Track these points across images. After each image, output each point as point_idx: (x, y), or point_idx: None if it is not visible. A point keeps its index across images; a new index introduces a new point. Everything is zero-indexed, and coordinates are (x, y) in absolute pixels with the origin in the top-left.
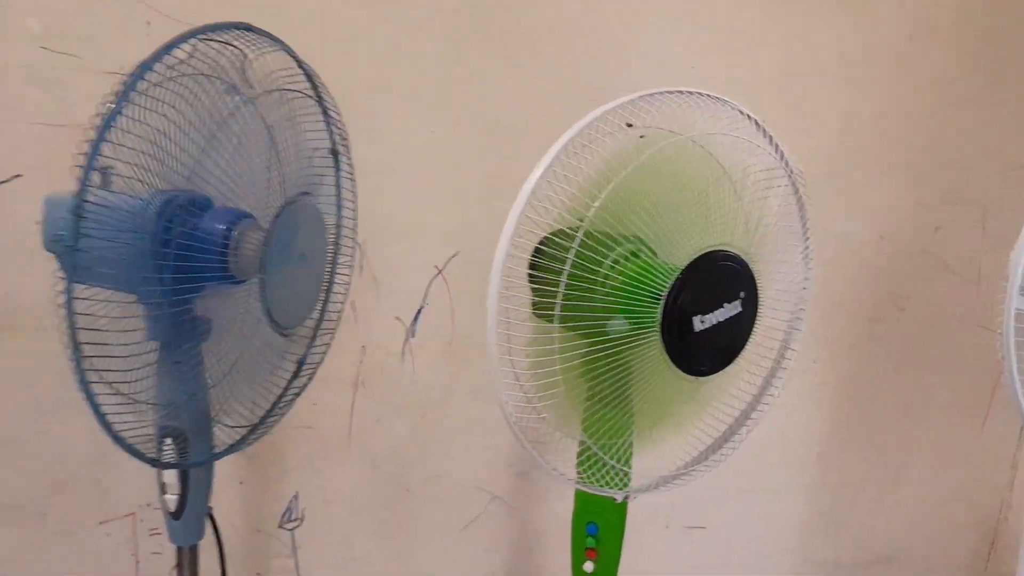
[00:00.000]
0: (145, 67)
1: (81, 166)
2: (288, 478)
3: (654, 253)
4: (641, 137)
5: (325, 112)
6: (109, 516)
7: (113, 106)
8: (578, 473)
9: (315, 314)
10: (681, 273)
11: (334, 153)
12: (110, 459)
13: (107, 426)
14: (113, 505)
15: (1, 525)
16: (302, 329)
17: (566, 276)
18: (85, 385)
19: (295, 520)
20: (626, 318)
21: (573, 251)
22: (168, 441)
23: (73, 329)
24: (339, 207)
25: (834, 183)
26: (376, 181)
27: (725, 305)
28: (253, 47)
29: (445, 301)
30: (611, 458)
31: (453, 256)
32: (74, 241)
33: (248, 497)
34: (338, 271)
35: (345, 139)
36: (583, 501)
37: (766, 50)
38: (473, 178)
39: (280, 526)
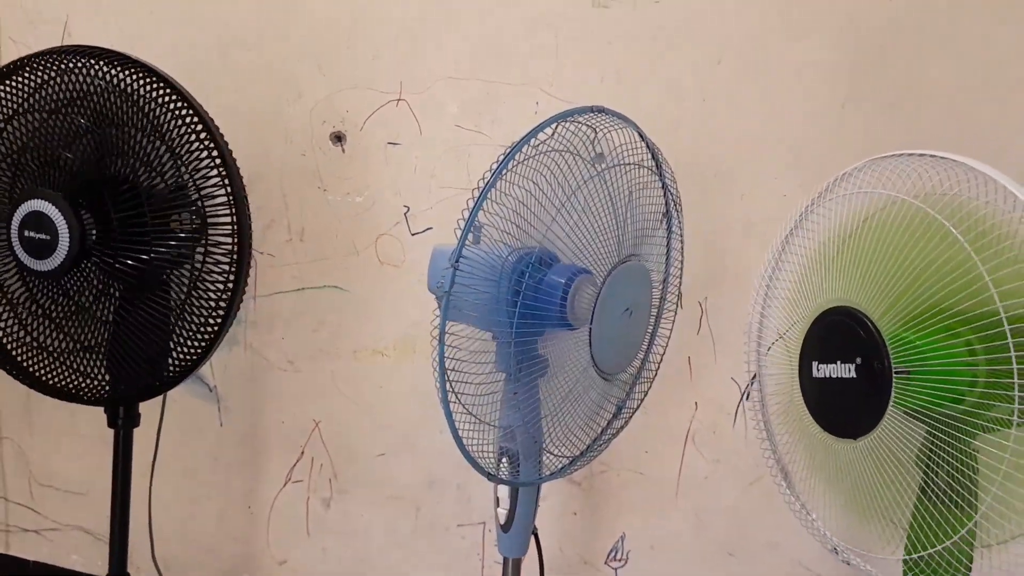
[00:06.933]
0: (515, 148)
1: (461, 227)
2: (617, 518)
3: None
4: None
5: (663, 181)
6: (465, 520)
7: (489, 178)
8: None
9: (636, 364)
10: None
11: (667, 217)
12: (472, 470)
13: (459, 440)
14: (470, 512)
15: (389, 509)
16: (623, 375)
17: None
18: (446, 403)
19: (620, 560)
20: None
21: None
22: (504, 460)
23: (443, 358)
24: (667, 266)
25: None
26: (718, 240)
27: None
28: (604, 125)
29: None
30: None
31: None
32: (449, 288)
33: (579, 528)
34: (661, 325)
35: (678, 205)
36: None
37: None
38: None
39: (606, 562)
